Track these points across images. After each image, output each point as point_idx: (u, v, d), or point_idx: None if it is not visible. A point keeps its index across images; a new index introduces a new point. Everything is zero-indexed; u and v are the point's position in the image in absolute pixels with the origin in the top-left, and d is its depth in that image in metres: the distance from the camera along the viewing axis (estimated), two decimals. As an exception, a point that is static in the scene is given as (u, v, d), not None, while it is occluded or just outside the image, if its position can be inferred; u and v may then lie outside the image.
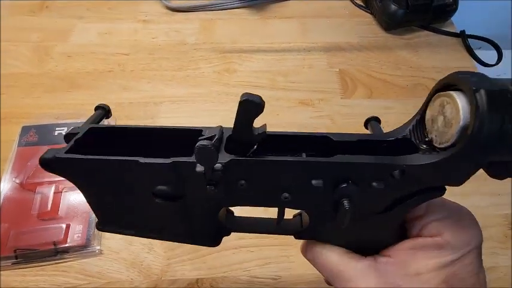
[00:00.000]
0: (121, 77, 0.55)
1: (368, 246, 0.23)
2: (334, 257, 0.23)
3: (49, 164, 0.20)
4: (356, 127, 0.50)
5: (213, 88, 0.54)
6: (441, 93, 0.18)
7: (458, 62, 0.59)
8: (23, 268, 0.37)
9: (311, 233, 0.24)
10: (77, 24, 0.61)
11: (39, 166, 0.43)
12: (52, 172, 0.21)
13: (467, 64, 0.59)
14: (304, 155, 0.20)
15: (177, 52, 0.59)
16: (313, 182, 0.20)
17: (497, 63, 0.61)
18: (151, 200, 0.22)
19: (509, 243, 0.41)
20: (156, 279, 0.37)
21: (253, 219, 0.26)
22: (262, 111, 0.18)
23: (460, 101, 0.17)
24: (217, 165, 0.19)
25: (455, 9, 0.63)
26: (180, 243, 0.35)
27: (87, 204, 0.42)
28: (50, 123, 0.46)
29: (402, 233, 0.22)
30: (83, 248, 0.38)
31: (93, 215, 0.40)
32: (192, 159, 0.19)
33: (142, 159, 0.20)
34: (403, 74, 0.57)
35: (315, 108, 0.52)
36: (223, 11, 0.65)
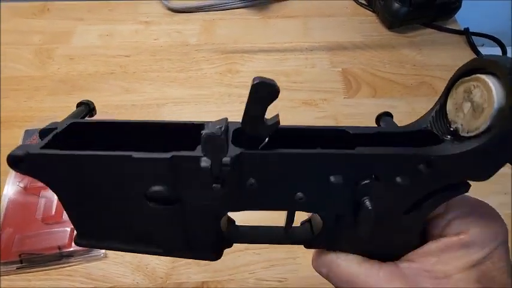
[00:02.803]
0: (123, 78, 0.54)
1: (387, 252, 0.21)
2: (352, 266, 0.21)
3: (19, 162, 0.17)
4: (360, 127, 0.50)
5: (215, 89, 0.54)
6: (465, 78, 0.17)
7: (463, 59, 0.58)
8: (28, 272, 0.37)
9: (323, 241, 0.22)
10: (78, 26, 0.61)
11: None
12: (22, 172, 0.17)
13: (472, 62, 0.58)
14: None
15: (179, 53, 0.58)
16: (332, 178, 0.18)
17: (501, 61, 0.60)
18: (143, 205, 0.19)
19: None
20: (161, 283, 0.37)
21: (257, 229, 0.24)
22: (277, 96, 0.17)
23: (492, 82, 0.16)
24: (226, 159, 0.16)
25: (459, 6, 0.62)
26: None
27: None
28: (53, 127, 0.46)
29: (422, 236, 0.21)
30: (87, 252, 0.38)
31: (98, 219, 0.40)
32: (196, 153, 0.17)
33: (136, 154, 0.17)
34: (407, 72, 0.57)
35: (319, 108, 0.52)
36: (225, 11, 0.65)
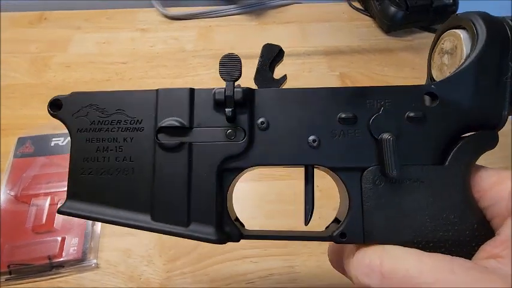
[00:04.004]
0: (119, 85, 0.54)
1: (447, 240, 0.18)
2: (407, 261, 0.15)
3: (60, 105, 0.21)
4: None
5: (212, 95, 0.53)
6: (435, 47, 0.22)
7: (462, 62, 0.58)
8: (17, 284, 0.36)
9: (357, 230, 0.18)
10: (75, 35, 0.61)
11: (34, 177, 0.42)
12: (57, 115, 0.22)
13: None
14: None
15: (176, 60, 0.58)
16: (342, 115, 0.19)
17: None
18: (152, 148, 0.20)
19: None
20: (155, 294, 0.36)
21: (271, 231, 0.22)
22: (282, 57, 0.22)
23: (455, 30, 0.20)
24: (238, 90, 0.19)
25: (456, 9, 0.62)
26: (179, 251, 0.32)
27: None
28: (47, 134, 0.45)
29: (489, 230, 0.18)
30: (78, 262, 0.36)
31: (90, 227, 0.39)
32: (211, 89, 0.21)
33: (162, 89, 0.21)
34: (406, 75, 0.56)
35: (317, 112, 0.51)
36: (221, 17, 0.65)
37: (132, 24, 0.64)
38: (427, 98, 0.19)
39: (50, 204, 0.39)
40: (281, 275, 0.37)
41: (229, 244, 0.39)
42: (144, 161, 0.20)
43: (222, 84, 0.62)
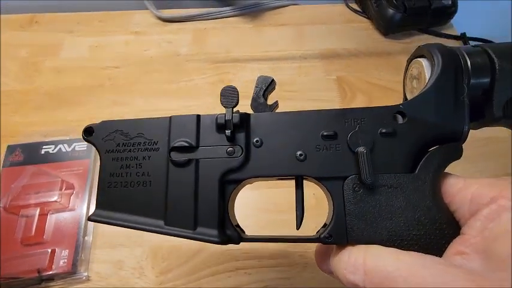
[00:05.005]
0: (111, 91, 0.53)
1: (418, 239, 0.20)
2: (386, 260, 0.17)
3: (92, 131, 0.24)
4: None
5: (206, 99, 0.52)
6: (406, 73, 0.25)
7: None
8: (6, 298, 0.35)
9: (341, 234, 0.21)
10: (67, 38, 0.60)
11: (24, 187, 0.41)
12: (89, 140, 0.25)
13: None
14: None
15: (170, 64, 0.57)
16: (325, 132, 0.22)
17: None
18: (166, 166, 0.23)
19: None
20: (147, 307, 0.35)
21: (267, 235, 0.24)
22: (273, 87, 0.26)
23: (419, 58, 0.23)
24: (236, 115, 0.23)
25: (455, 11, 0.61)
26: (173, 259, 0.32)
27: (74, 227, 0.39)
28: (37, 142, 0.44)
29: (457, 230, 0.20)
30: (69, 275, 0.36)
31: (81, 238, 0.38)
32: (213, 115, 0.24)
33: (174, 116, 0.24)
34: (402, 79, 0.55)
35: (313, 117, 0.50)
36: (217, 20, 0.64)
37: (126, 27, 0.62)
38: (399, 117, 0.22)
39: (39, 215, 0.38)
40: (275, 286, 0.36)
41: (222, 256, 0.38)
42: (159, 175, 0.23)
43: (217, 89, 0.60)
